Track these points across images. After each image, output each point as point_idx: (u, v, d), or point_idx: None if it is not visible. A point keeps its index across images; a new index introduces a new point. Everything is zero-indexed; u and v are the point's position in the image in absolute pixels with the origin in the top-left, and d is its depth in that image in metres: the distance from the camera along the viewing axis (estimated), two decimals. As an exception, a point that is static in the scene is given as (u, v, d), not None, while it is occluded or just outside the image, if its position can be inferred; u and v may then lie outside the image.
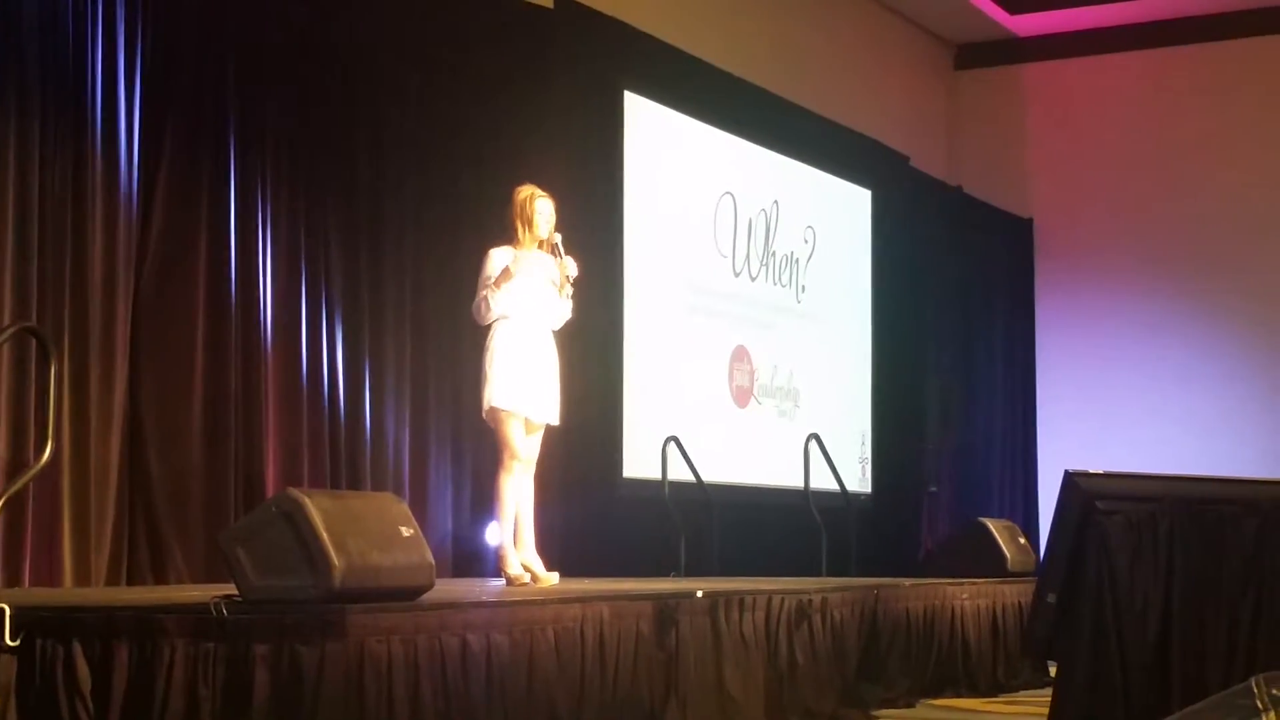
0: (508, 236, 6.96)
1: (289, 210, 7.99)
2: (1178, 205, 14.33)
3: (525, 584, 6.76)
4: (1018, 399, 14.77)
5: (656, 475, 9.58)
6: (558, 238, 6.93)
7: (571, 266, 6.92)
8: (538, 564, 6.94)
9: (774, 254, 11.96)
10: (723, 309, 11.33)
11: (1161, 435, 13.75)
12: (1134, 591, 4.62)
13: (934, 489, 13.56)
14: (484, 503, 8.93)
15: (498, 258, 6.87)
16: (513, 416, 6.82)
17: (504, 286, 6.78)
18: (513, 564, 6.84)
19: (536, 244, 6.94)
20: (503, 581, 6.88)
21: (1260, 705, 1.98)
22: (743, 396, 11.51)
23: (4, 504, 5.65)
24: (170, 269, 7.39)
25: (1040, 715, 5.08)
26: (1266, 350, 13.98)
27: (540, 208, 6.95)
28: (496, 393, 6.79)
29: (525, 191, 7.00)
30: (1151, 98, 14.54)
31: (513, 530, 6.93)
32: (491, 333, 6.86)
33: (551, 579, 6.89)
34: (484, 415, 6.92)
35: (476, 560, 8.71)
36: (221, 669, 4.13)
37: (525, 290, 6.86)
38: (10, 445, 6.57)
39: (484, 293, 6.81)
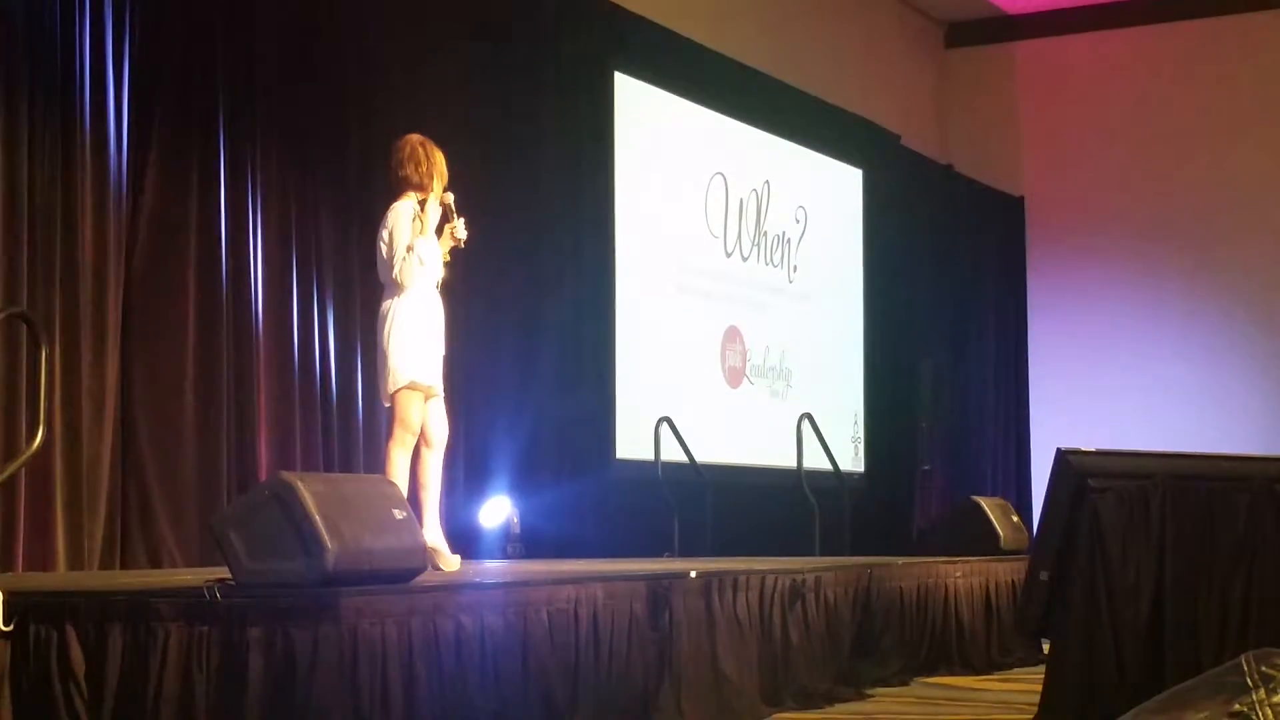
0: (409, 186, 6.34)
1: (279, 194, 7.98)
2: (1169, 183, 14.34)
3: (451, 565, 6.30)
4: (1010, 377, 14.79)
5: (649, 456, 9.59)
6: (449, 196, 6.41)
7: (462, 229, 6.42)
8: (443, 545, 6.35)
9: (765, 234, 11.96)
10: (714, 289, 11.33)
11: (1153, 412, 13.79)
12: (1126, 568, 4.63)
13: (927, 467, 13.57)
14: (477, 485, 8.95)
15: (411, 214, 6.29)
16: (416, 392, 6.28)
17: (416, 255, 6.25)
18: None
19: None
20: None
21: (1250, 682, 1.98)
22: (735, 377, 11.52)
23: (-4, 489, 5.65)
24: (161, 253, 7.38)
25: (1034, 692, 5.10)
26: (1258, 327, 14.00)
27: (443, 159, 6.39)
28: (408, 368, 6.24)
29: (420, 139, 6.41)
30: (1143, 75, 14.53)
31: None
32: (396, 300, 6.27)
33: (454, 562, 6.36)
34: (389, 392, 6.28)
35: (469, 542, 8.71)
36: (215, 652, 4.12)
37: (431, 250, 6.33)
38: (3, 431, 6.56)
39: (408, 256, 6.21)
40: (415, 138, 6.45)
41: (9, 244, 6.66)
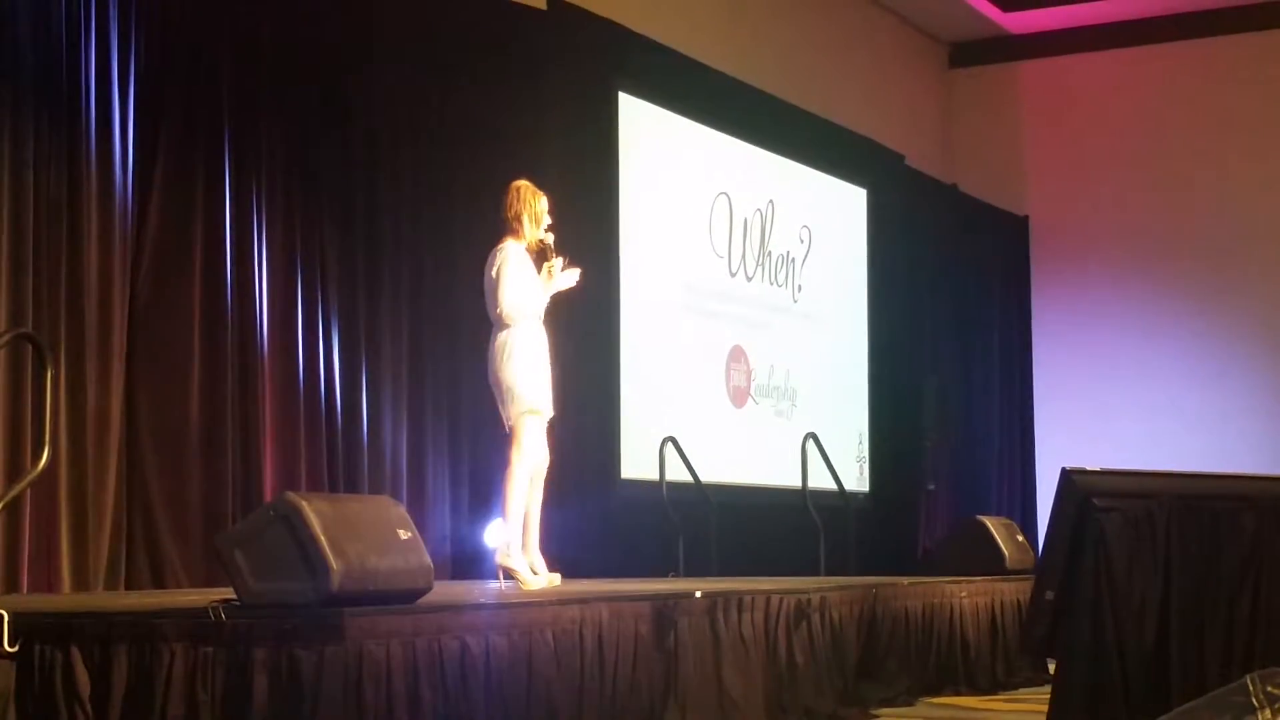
0: (506, 229, 6.77)
1: (284, 214, 7.99)
2: (1173, 202, 14.34)
3: (530, 584, 6.63)
4: (1015, 396, 14.78)
5: (654, 476, 9.58)
6: (549, 237, 6.82)
7: (559, 268, 6.83)
8: (542, 564, 6.85)
9: (770, 254, 11.96)
10: (719, 309, 11.33)
11: (1158, 432, 13.77)
12: (1132, 588, 4.62)
13: (932, 487, 13.56)
14: (482, 504, 8.93)
15: (519, 256, 6.71)
16: (535, 416, 6.71)
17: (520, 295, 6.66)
18: (519, 560, 6.73)
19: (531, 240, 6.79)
20: (501, 582, 6.80)
21: (1255, 703, 1.98)
22: (740, 396, 11.51)
23: (2, 509, 5.64)
24: (166, 273, 7.39)
25: (1040, 713, 5.08)
26: (1263, 346, 13.99)
27: (544, 205, 6.79)
28: (526, 395, 6.64)
29: (525, 184, 6.82)
30: (1146, 94, 14.55)
31: (520, 531, 6.79)
32: (507, 333, 6.67)
33: (554, 579, 6.80)
34: (512, 422, 6.68)
35: (475, 562, 8.71)
36: (220, 673, 4.13)
37: (534, 288, 6.74)
38: (8, 451, 6.57)
39: (518, 298, 6.64)
40: (516, 184, 6.86)
41: (15, 264, 6.67)
